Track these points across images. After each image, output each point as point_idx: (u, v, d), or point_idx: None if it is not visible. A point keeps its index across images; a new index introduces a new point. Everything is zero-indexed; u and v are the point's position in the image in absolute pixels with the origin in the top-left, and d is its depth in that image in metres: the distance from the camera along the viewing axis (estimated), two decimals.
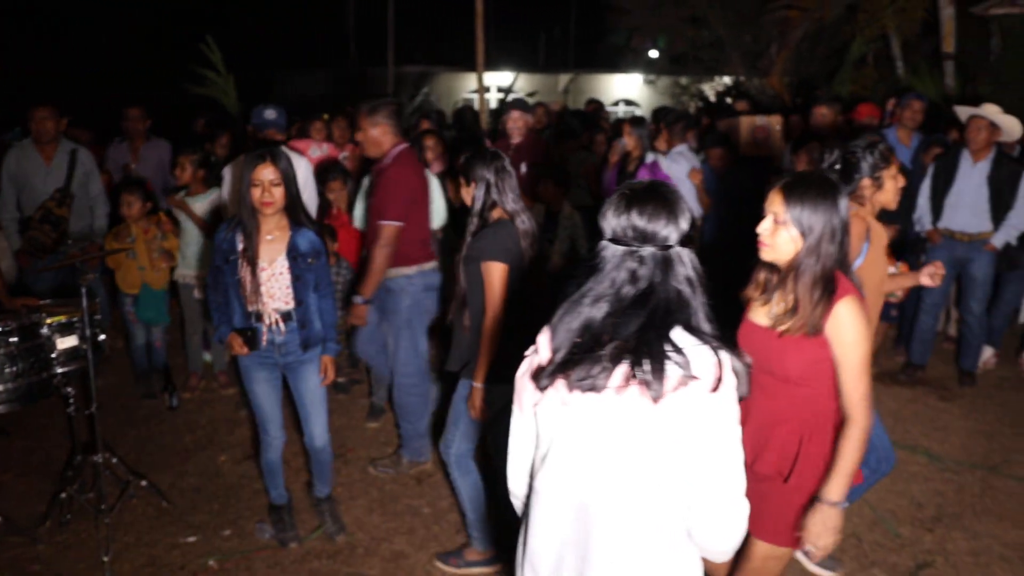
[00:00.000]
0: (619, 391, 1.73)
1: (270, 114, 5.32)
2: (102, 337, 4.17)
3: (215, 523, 4.04)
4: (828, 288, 2.36)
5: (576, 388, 1.76)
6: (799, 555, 3.55)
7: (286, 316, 3.60)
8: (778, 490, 2.51)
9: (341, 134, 7.47)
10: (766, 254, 2.44)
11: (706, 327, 1.80)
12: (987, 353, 6.04)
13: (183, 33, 12.05)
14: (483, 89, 11.18)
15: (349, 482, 4.45)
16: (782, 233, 2.38)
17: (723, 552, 1.82)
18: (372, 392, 5.28)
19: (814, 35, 10.77)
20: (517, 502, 2.08)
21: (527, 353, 1.92)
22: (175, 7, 18.11)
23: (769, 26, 10.93)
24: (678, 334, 1.76)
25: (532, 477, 1.95)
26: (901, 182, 3.31)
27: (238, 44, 14.40)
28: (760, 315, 2.53)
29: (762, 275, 2.53)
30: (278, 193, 3.46)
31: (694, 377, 1.70)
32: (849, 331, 2.36)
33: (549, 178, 6.03)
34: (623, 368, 1.73)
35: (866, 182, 3.26)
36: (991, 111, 5.40)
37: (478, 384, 3.32)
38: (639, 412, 1.72)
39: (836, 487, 2.41)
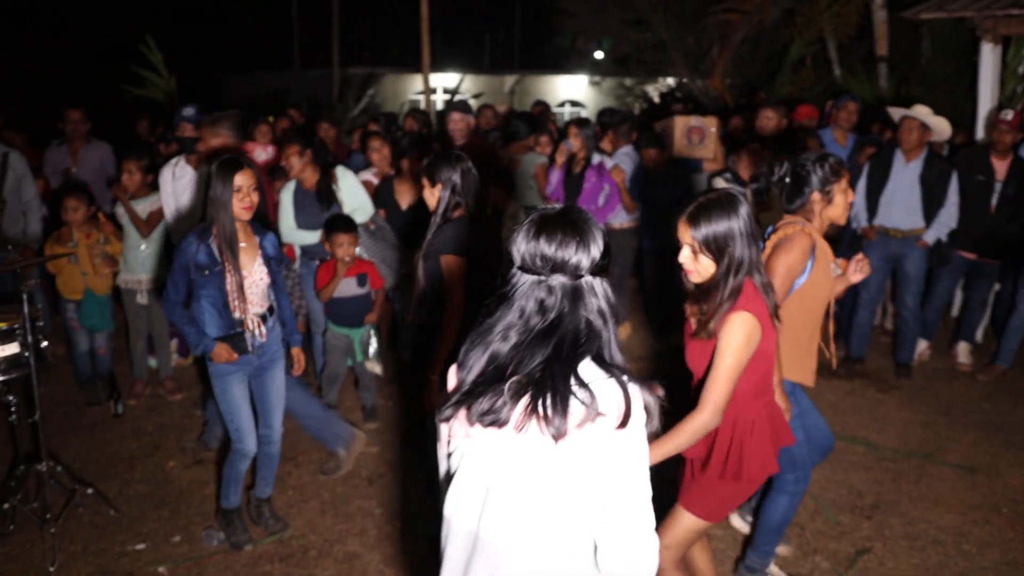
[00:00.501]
0: (520, 427, 1.67)
1: (188, 111, 5.37)
2: (44, 344, 4.09)
3: (165, 530, 4.00)
4: (733, 298, 2.53)
5: (478, 421, 1.72)
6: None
7: (263, 318, 3.65)
8: (706, 477, 2.72)
9: (286, 137, 7.44)
10: (694, 278, 2.62)
11: (617, 359, 1.76)
12: (922, 346, 6.25)
13: (126, 35, 11.83)
14: (429, 90, 11.20)
15: (300, 485, 4.43)
16: (702, 259, 2.54)
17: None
18: (323, 393, 5.27)
19: (754, 38, 10.99)
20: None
21: (450, 372, 1.89)
22: (118, 9, 17.75)
23: (711, 29, 11.12)
24: (586, 367, 1.71)
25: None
26: (851, 196, 3.28)
27: (183, 46, 14.19)
28: (692, 314, 2.70)
29: (695, 297, 2.67)
30: (256, 197, 3.48)
31: (600, 414, 1.65)
32: (731, 340, 2.52)
33: (492, 180, 6.08)
34: (525, 400, 1.67)
35: (816, 196, 3.21)
36: (922, 112, 5.59)
37: (434, 376, 3.35)
38: (541, 449, 1.67)
39: (652, 455, 2.48)
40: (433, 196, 3.45)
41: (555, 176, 6.23)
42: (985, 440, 4.96)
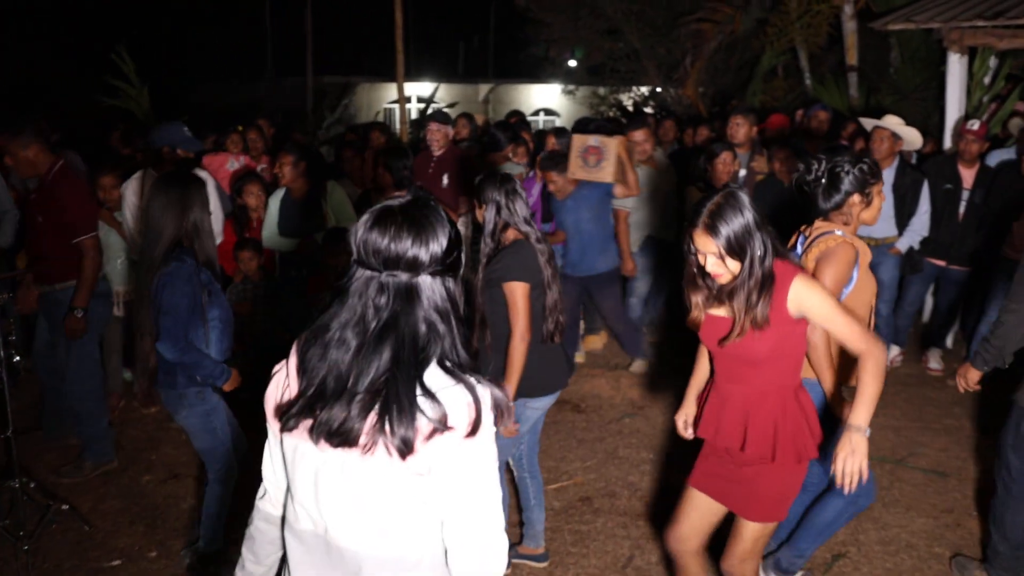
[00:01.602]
0: (368, 446, 1.59)
1: (186, 132, 5.38)
2: (16, 359, 4.05)
3: (140, 545, 3.97)
4: (768, 287, 2.57)
5: (326, 440, 1.61)
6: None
7: None
8: (770, 470, 2.71)
9: (255, 147, 7.41)
10: (724, 280, 2.63)
11: (463, 359, 1.66)
12: (893, 352, 6.34)
13: (98, 44, 11.74)
14: (404, 100, 11.21)
15: None
16: (727, 261, 2.57)
17: None
18: None
19: (727, 47, 11.10)
20: (266, 525, 1.88)
21: (274, 371, 1.78)
22: (90, 19, 17.61)
23: (683, 39, 11.21)
24: (431, 374, 1.62)
25: (285, 509, 1.81)
26: (883, 198, 3.25)
27: (156, 55, 14.08)
28: (720, 311, 2.70)
29: (704, 284, 2.70)
30: None
31: (448, 427, 1.57)
32: (814, 296, 2.58)
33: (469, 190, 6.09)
34: (371, 418, 1.58)
35: (856, 198, 3.14)
36: (893, 123, 5.69)
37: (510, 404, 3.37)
38: (388, 462, 1.60)
39: (861, 413, 2.59)
40: (481, 216, 3.46)
41: (534, 187, 6.26)
42: (956, 444, 5.04)
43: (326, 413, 1.60)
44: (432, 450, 1.58)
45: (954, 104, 7.30)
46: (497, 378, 3.29)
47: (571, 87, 19.78)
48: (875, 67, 9.66)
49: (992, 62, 7.62)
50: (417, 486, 1.62)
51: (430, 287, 1.64)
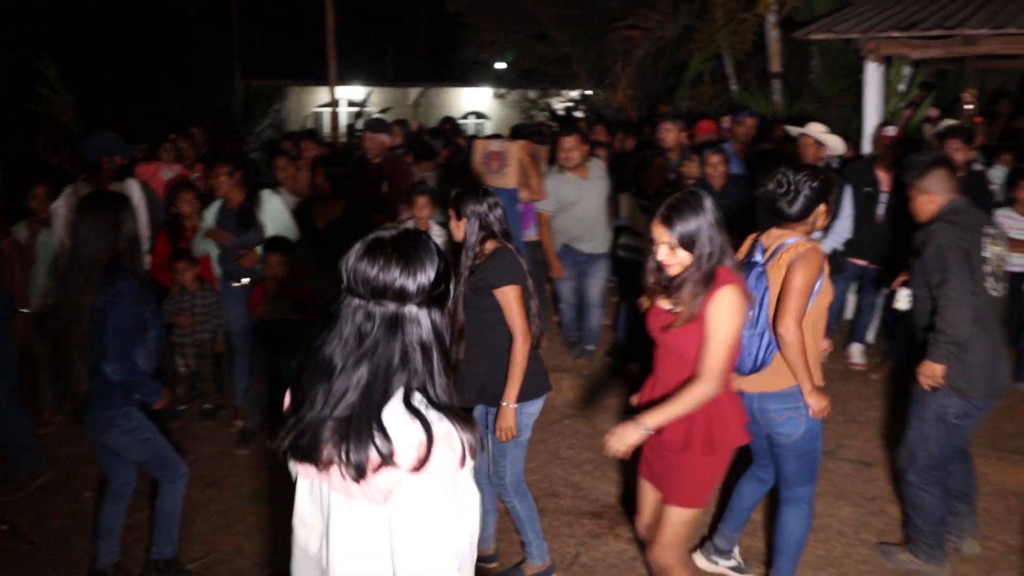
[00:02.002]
0: (324, 466, 1.67)
1: (117, 139, 5.31)
2: None
3: (86, 563, 3.91)
4: (708, 282, 2.79)
5: (295, 456, 1.71)
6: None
7: None
8: (686, 459, 2.92)
9: (187, 155, 7.33)
10: (673, 271, 2.85)
11: (441, 396, 1.70)
12: (823, 344, 6.58)
13: (25, 52, 11.40)
14: (335, 103, 11.17)
15: (224, 510, 4.41)
16: (678, 253, 2.79)
17: None
18: (245, 416, 5.23)
19: (655, 53, 11.36)
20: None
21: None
22: (15, 26, 16.96)
23: (614, 44, 11.43)
24: (392, 407, 1.66)
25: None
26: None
27: (83, 63, 13.69)
28: (664, 303, 2.92)
29: (656, 277, 2.94)
30: None
31: (393, 461, 1.62)
32: (723, 309, 2.78)
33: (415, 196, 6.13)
34: (333, 443, 1.64)
35: (822, 208, 3.28)
36: (816, 130, 5.94)
37: (513, 405, 3.43)
38: (343, 488, 1.68)
39: (655, 417, 2.81)
40: (460, 229, 3.49)
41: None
42: (879, 435, 5.30)
43: (303, 435, 1.67)
44: (381, 481, 1.64)
45: (872, 110, 7.63)
46: (488, 389, 3.44)
47: (501, 90, 19.91)
48: (797, 74, 10.00)
49: (906, 71, 7.99)
50: (374, 514, 1.67)
51: (415, 318, 1.69)
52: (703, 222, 2.77)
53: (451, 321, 3.40)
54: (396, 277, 1.67)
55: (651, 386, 3.07)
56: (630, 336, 6.41)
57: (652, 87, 11.90)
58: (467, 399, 3.59)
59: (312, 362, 1.71)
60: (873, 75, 7.60)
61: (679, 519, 2.99)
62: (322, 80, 11.81)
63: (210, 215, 5.39)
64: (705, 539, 3.97)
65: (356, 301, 1.70)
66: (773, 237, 3.33)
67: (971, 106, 7.91)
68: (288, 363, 5.10)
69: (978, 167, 6.76)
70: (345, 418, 1.64)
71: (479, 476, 3.87)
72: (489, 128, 26.34)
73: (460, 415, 1.70)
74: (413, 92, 26.00)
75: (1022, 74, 10.16)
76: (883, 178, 6.24)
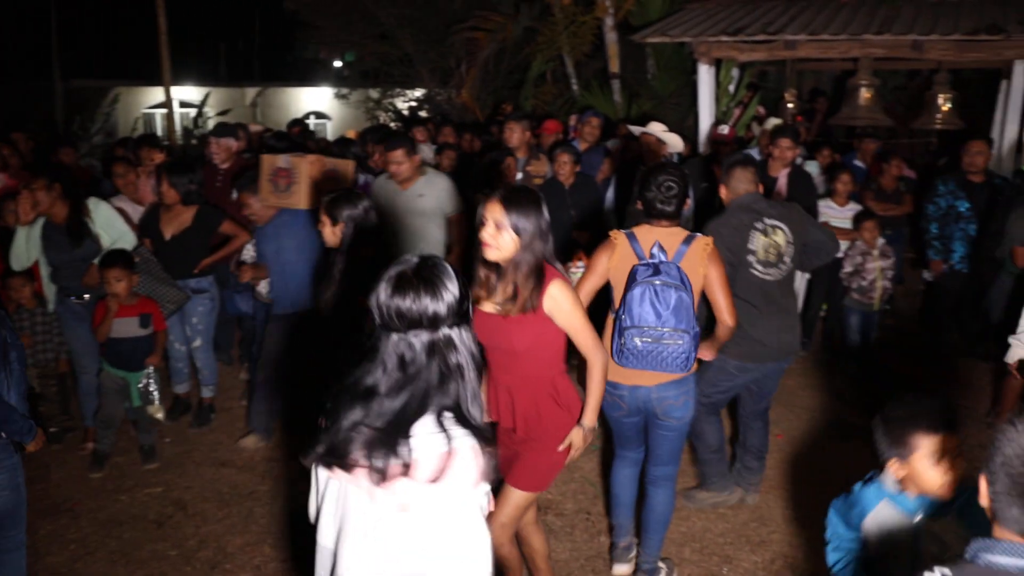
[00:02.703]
0: (354, 473, 1.79)
1: None
2: None
3: None
4: (539, 276, 2.90)
5: (330, 465, 1.84)
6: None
7: None
8: (532, 447, 3.09)
9: (11, 163, 6.86)
10: (491, 255, 2.89)
11: (474, 412, 1.86)
12: None
13: None
14: (170, 105, 10.70)
15: (82, 537, 4.18)
16: (503, 235, 2.85)
17: None
18: (96, 438, 4.96)
19: (498, 54, 11.52)
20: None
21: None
22: None
23: (457, 45, 11.52)
24: (424, 421, 1.80)
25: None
26: None
27: None
28: (487, 306, 3.00)
29: (483, 275, 2.99)
30: None
31: (413, 471, 1.75)
32: (565, 302, 2.93)
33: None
34: (363, 449, 1.78)
35: (690, 203, 3.69)
36: (657, 129, 6.25)
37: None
38: (368, 490, 1.79)
39: (589, 414, 3.08)
40: (335, 235, 3.46)
41: None
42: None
43: (340, 444, 1.81)
44: (404, 488, 1.77)
45: (705, 109, 8.11)
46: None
47: (343, 90, 19.60)
48: (635, 75, 10.43)
49: (735, 72, 8.53)
50: (399, 520, 1.79)
51: (450, 340, 1.86)
52: (539, 214, 2.87)
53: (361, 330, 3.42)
54: (428, 305, 1.83)
55: (493, 392, 3.12)
56: None
57: (496, 87, 12.07)
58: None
59: (351, 389, 1.86)
60: (705, 76, 8.06)
61: (521, 502, 3.12)
62: (151, 80, 11.27)
63: (34, 233, 5.04)
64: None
65: (395, 336, 1.84)
66: (656, 235, 3.47)
67: (792, 105, 8.54)
68: (137, 381, 4.88)
69: (799, 161, 7.32)
70: (379, 428, 1.78)
71: None
72: (331, 129, 25.91)
73: (486, 436, 1.84)
74: (250, 92, 25.19)
75: (835, 75, 11.03)
76: (718, 174, 6.64)
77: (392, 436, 1.76)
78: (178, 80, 20.70)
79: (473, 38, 11.17)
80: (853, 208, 6.81)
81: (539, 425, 3.05)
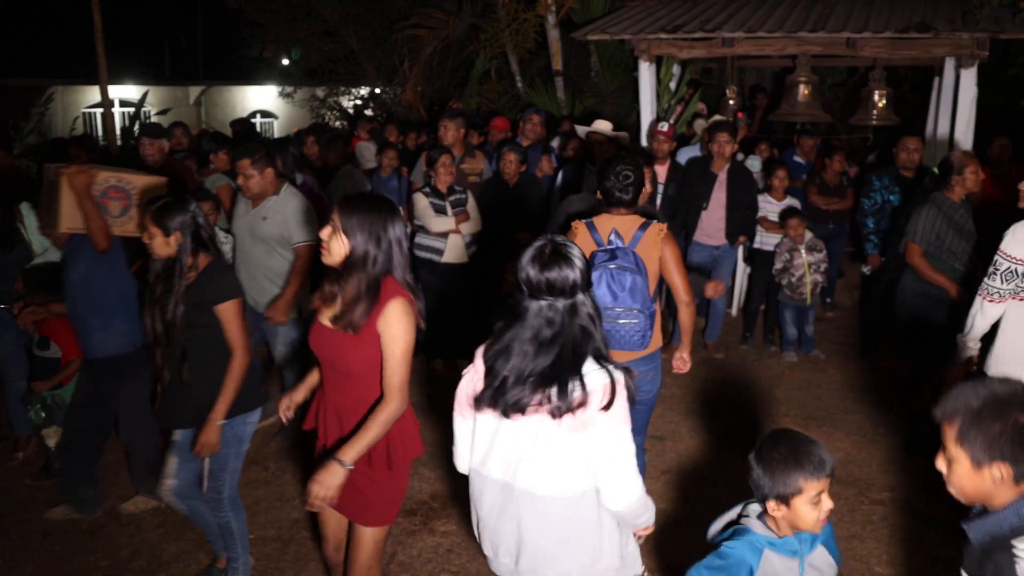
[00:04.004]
0: (534, 410, 2.32)
1: None
2: None
3: None
4: (372, 291, 2.70)
5: (504, 409, 2.35)
6: None
7: None
8: (365, 477, 2.83)
9: None
10: (325, 258, 2.77)
11: (604, 352, 2.37)
12: None
13: None
14: (108, 103, 10.46)
15: (7, 550, 4.07)
16: (336, 240, 2.71)
17: (627, 507, 2.39)
18: (27, 447, 4.84)
19: (442, 51, 11.47)
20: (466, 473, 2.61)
21: (464, 373, 2.50)
22: None
23: (401, 43, 11.44)
24: (587, 364, 2.33)
25: (473, 463, 2.54)
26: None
27: None
28: (325, 318, 2.83)
29: (327, 286, 2.81)
30: None
31: (588, 398, 2.28)
32: (395, 326, 2.71)
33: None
34: (539, 394, 2.31)
35: (643, 191, 3.86)
36: (604, 128, 6.29)
37: (222, 421, 3.32)
38: (549, 423, 2.33)
39: (351, 452, 2.71)
40: (169, 246, 3.23)
41: None
42: (671, 411, 5.69)
43: (509, 395, 2.34)
44: (579, 416, 2.30)
45: (647, 106, 8.15)
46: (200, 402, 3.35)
47: (288, 89, 19.33)
48: (578, 72, 10.46)
49: (676, 69, 8.59)
50: (571, 441, 2.33)
51: (582, 302, 2.37)
52: (379, 231, 2.70)
53: (173, 342, 3.26)
54: (569, 275, 2.34)
55: (322, 413, 2.95)
56: (429, 334, 6.50)
57: (441, 84, 12.02)
58: (185, 421, 3.43)
59: (504, 348, 2.37)
60: (646, 73, 8.11)
61: (373, 539, 2.94)
62: (91, 79, 11.00)
63: None
64: None
65: (540, 302, 2.35)
66: (614, 222, 3.68)
67: (733, 102, 8.64)
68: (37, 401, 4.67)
69: (741, 157, 7.43)
70: (549, 376, 2.30)
71: (190, 492, 3.62)
72: (278, 128, 25.59)
73: (623, 367, 2.39)
74: (194, 91, 24.78)
75: (774, 71, 11.18)
76: (659, 170, 6.68)
77: (568, 379, 2.29)
78: (119, 79, 20.28)
79: (416, 35, 11.10)
80: (791, 203, 6.92)
81: (381, 452, 2.82)
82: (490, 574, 3.74)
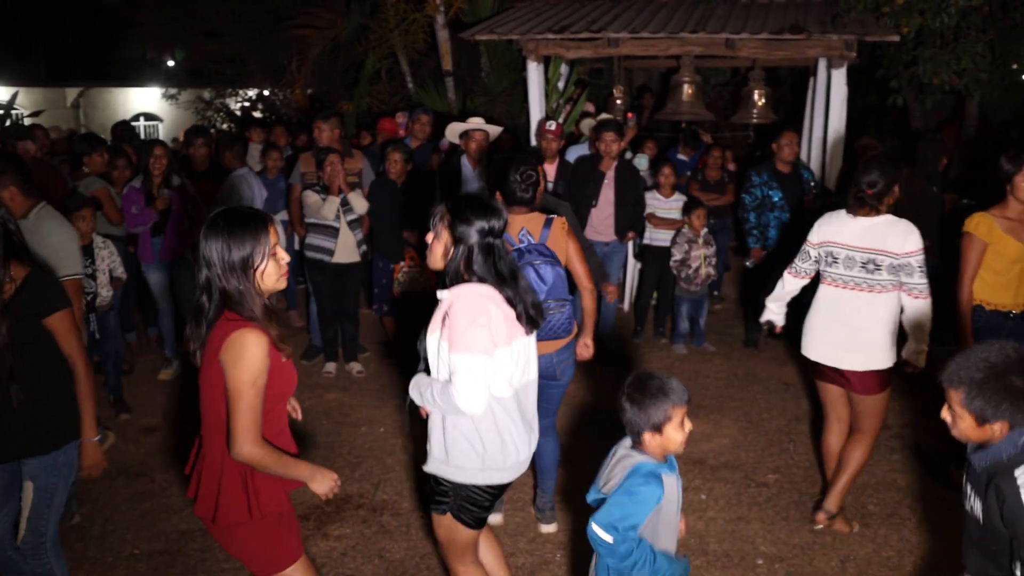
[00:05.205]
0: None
1: None
2: None
3: None
4: (208, 317, 2.50)
5: (532, 327, 2.96)
6: None
7: None
8: (226, 532, 2.64)
9: None
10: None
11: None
12: None
13: None
14: None
15: None
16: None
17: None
18: None
19: (332, 51, 11.28)
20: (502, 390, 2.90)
21: (478, 326, 2.76)
22: None
23: (287, 43, 11.20)
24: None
25: (514, 382, 2.92)
26: None
27: None
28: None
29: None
30: None
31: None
32: (237, 361, 2.43)
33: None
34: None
35: (540, 190, 4.00)
36: (478, 122, 6.33)
37: (96, 438, 3.17)
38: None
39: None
40: None
41: (131, 196, 6.00)
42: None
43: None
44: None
45: (536, 106, 8.22)
46: (45, 435, 3.03)
47: (173, 91, 18.71)
48: (469, 72, 10.46)
49: (564, 69, 8.70)
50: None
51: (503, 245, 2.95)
52: (219, 249, 2.44)
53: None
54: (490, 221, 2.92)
55: (199, 439, 2.73)
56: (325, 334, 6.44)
57: (332, 85, 11.83)
58: (8, 454, 3.00)
59: (521, 289, 2.94)
60: (534, 73, 8.18)
61: None
62: None
63: None
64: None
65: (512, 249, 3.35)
66: (520, 221, 3.81)
67: (621, 101, 8.80)
68: None
69: (628, 155, 7.58)
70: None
71: (3, 543, 3.10)
72: (163, 131, 24.75)
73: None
74: (71, 92, 23.74)
75: (661, 72, 11.45)
76: (548, 169, 6.74)
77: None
78: None
79: (303, 35, 10.90)
80: (679, 199, 7.10)
81: (219, 503, 2.56)
82: (385, 575, 3.73)
